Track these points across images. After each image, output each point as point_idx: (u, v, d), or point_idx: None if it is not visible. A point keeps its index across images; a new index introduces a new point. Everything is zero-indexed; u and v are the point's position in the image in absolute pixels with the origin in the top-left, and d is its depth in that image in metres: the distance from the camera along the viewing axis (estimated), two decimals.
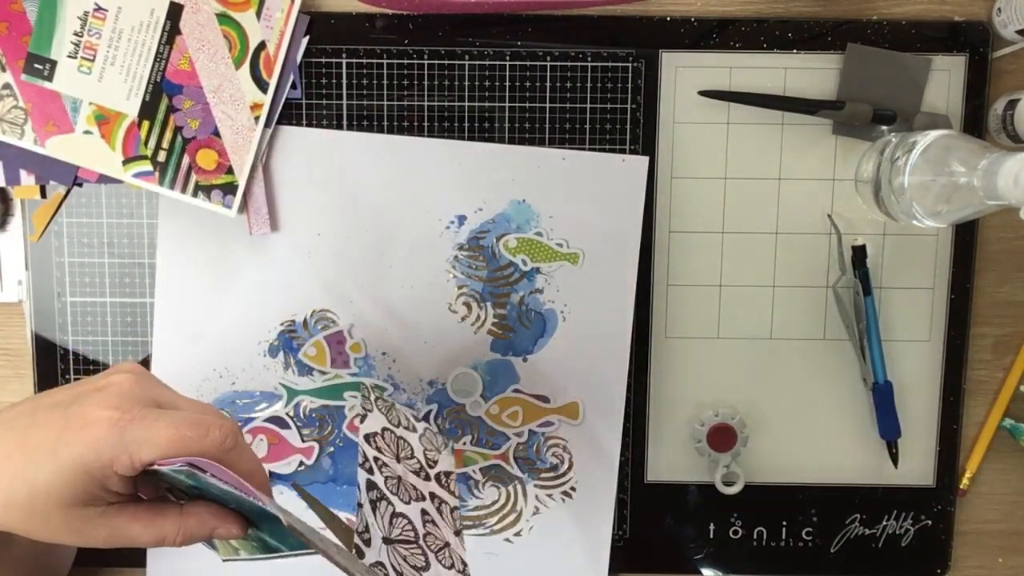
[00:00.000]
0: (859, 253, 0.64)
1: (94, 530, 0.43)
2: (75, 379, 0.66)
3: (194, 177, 0.63)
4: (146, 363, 0.66)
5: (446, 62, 0.63)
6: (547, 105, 0.64)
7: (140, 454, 0.41)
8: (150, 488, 0.46)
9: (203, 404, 0.46)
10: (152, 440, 0.41)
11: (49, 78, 0.61)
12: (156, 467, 0.42)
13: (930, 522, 0.67)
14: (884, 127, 0.63)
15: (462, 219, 0.64)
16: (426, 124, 0.64)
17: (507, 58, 0.63)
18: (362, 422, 0.55)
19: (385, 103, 0.64)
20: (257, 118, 0.63)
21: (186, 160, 0.62)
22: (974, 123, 0.63)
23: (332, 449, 0.66)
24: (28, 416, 0.43)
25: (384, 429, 0.56)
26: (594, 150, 0.64)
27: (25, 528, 0.42)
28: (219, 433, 0.42)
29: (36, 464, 0.41)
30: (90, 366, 0.66)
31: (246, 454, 0.44)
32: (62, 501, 0.41)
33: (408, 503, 0.53)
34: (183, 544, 0.45)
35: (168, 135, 0.62)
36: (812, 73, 0.63)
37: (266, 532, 0.46)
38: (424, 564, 0.50)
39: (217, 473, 0.41)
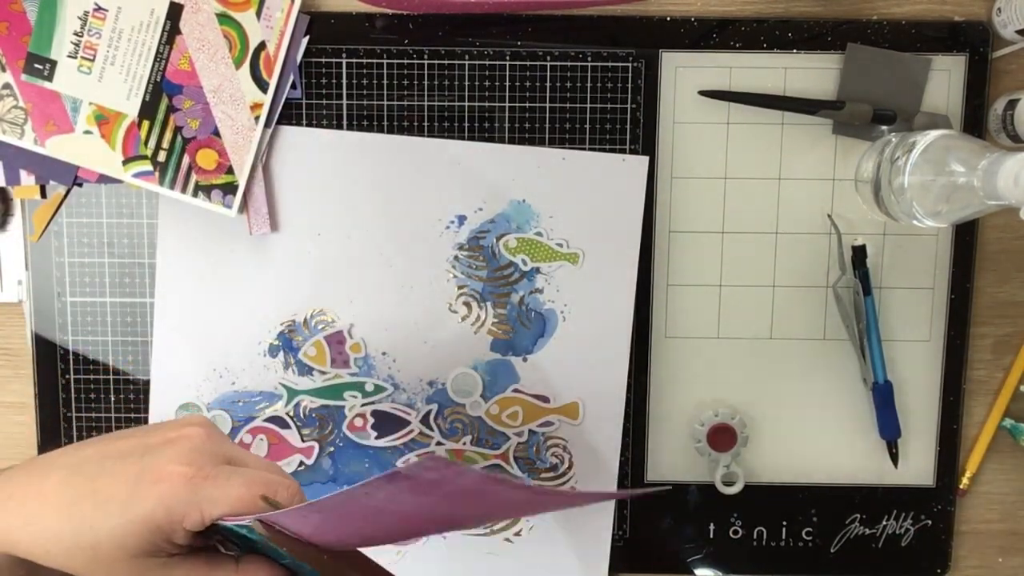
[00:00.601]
0: (859, 253, 0.64)
1: None
2: (75, 379, 0.66)
3: (194, 177, 0.63)
4: (147, 368, 0.66)
5: (446, 62, 0.63)
6: (547, 105, 0.64)
7: (211, 511, 0.41)
8: (200, 538, 0.46)
9: (267, 461, 0.47)
10: (224, 499, 0.41)
11: (49, 78, 0.61)
12: (220, 521, 0.42)
13: (930, 522, 0.67)
14: (884, 127, 0.63)
15: (462, 219, 0.64)
16: (426, 124, 0.64)
17: (507, 58, 0.63)
18: None
19: (385, 103, 0.64)
20: (257, 118, 0.63)
21: (186, 160, 0.62)
22: (974, 123, 0.63)
23: (332, 449, 0.66)
24: (96, 464, 0.43)
25: None
26: (594, 150, 0.64)
27: (83, 570, 0.42)
28: (287, 493, 0.42)
29: (107, 514, 0.41)
30: (90, 366, 0.66)
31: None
32: (127, 551, 0.41)
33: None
34: None
35: (168, 135, 0.62)
36: (812, 73, 0.63)
37: None
38: None
39: (288, 524, 0.41)
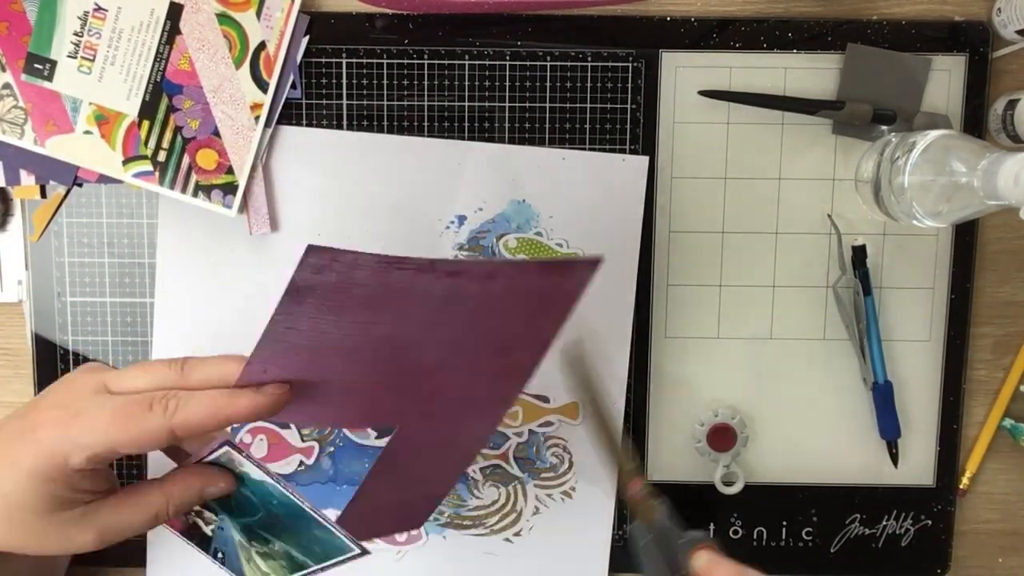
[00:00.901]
0: (859, 253, 0.64)
1: (81, 533, 0.42)
2: None
3: (194, 177, 0.63)
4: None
5: (446, 62, 0.63)
6: (547, 105, 0.64)
7: (90, 448, 0.40)
8: (178, 520, 0.45)
9: (143, 367, 0.44)
10: (91, 432, 0.40)
11: (49, 78, 0.61)
12: (202, 458, 0.42)
13: (930, 522, 0.67)
14: (884, 127, 0.63)
15: (462, 219, 0.64)
16: (426, 124, 0.64)
17: (507, 58, 0.63)
18: None
19: (385, 103, 0.64)
20: (257, 118, 0.63)
21: (186, 160, 0.62)
22: (974, 123, 0.63)
23: (332, 449, 0.66)
24: (3, 433, 0.43)
25: None
26: (594, 150, 0.64)
27: (10, 543, 0.42)
28: (160, 404, 0.40)
29: (4, 478, 0.41)
30: None
31: (198, 373, 0.42)
32: (35, 509, 0.41)
33: None
34: (176, 514, 0.44)
35: (168, 135, 0.62)
36: (812, 73, 0.63)
37: (292, 543, 0.46)
38: None
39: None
